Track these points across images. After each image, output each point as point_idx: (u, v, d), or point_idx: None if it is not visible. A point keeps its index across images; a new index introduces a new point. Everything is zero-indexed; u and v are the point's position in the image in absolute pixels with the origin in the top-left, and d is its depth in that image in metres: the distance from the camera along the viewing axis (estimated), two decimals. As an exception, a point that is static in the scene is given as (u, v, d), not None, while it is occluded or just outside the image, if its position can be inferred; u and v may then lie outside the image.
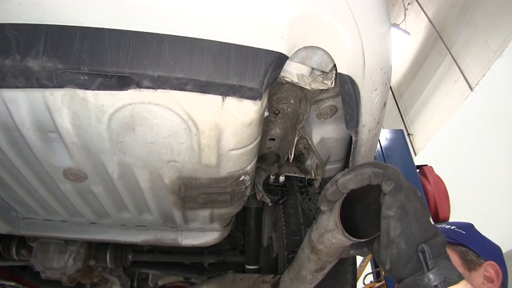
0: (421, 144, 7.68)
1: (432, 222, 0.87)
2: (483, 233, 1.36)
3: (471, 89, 6.23)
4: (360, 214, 1.02)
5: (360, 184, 0.86)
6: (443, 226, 1.39)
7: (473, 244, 1.25)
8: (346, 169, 0.91)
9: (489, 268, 1.18)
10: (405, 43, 8.10)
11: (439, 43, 7.52)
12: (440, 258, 0.80)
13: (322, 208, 0.96)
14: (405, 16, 8.53)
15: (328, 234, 0.97)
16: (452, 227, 1.34)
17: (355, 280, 1.75)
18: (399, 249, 0.82)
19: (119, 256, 2.11)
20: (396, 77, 9.14)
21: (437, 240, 0.82)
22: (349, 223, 0.92)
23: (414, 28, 8.36)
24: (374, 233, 0.91)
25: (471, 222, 1.43)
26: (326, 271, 1.10)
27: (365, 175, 0.86)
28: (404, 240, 0.82)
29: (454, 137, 6.34)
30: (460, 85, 6.56)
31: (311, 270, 1.09)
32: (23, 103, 0.96)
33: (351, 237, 0.91)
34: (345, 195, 0.91)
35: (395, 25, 7.77)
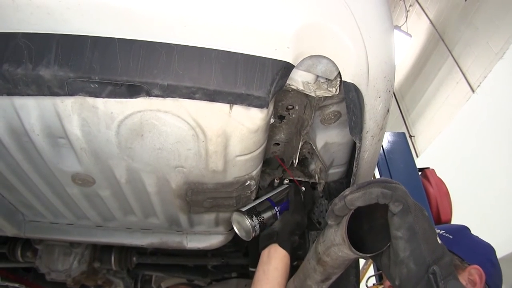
0: (423, 146, 7.67)
1: (439, 241, 0.89)
2: (483, 235, 1.37)
3: (473, 91, 6.22)
4: (367, 227, 1.03)
5: (368, 202, 0.88)
6: None
7: (459, 249, 1.27)
8: (355, 185, 0.92)
9: (473, 271, 1.21)
10: (406, 45, 8.10)
11: (440, 45, 7.51)
12: (449, 278, 0.83)
13: (329, 222, 0.97)
14: (406, 18, 8.53)
15: (335, 247, 0.98)
16: (441, 232, 1.35)
17: (358, 282, 1.76)
18: (409, 269, 0.85)
19: (123, 259, 2.12)
20: (397, 79, 9.07)
21: (445, 261, 0.85)
22: (355, 235, 0.93)
23: (416, 30, 8.36)
24: (380, 247, 0.93)
25: (471, 223, 1.43)
26: (331, 281, 1.12)
27: (373, 194, 0.87)
28: (413, 261, 0.84)
29: (456, 139, 6.32)
30: (461, 87, 6.55)
31: (316, 280, 1.11)
32: (33, 110, 0.98)
33: (358, 252, 0.92)
34: (352, 211, 0.92)
35: (397, 27, 7.78)
